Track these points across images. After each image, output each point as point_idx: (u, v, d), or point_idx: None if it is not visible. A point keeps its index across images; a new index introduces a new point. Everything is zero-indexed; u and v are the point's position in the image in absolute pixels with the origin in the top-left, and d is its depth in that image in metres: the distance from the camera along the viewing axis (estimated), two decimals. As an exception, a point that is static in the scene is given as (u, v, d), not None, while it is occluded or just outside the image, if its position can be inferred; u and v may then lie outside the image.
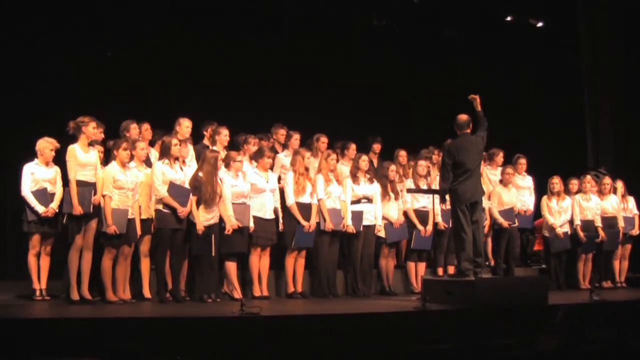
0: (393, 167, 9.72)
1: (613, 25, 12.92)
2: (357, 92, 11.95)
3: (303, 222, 8.95)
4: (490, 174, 10.50)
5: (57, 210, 7.92)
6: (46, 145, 7.99)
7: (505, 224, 10.08)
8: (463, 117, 8.34)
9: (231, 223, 8.43)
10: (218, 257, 8.40)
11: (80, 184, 7.70)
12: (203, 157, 8.41)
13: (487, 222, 9.96)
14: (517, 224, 10.25)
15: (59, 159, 7.88)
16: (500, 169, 10.50)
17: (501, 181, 10.32)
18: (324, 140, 9.79)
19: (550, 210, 10.58)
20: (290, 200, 8.98)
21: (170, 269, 8.24)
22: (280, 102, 11.15)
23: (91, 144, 7.90)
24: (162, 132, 8.75)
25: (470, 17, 12.75)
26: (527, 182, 10.66)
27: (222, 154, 8.73)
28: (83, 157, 7.75)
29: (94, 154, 7.88)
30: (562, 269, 10.58)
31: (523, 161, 10.61)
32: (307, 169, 9.11)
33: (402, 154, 10.20)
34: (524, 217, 10.46)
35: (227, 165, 8.60)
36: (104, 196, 7.79)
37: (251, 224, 8.64)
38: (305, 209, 9.02)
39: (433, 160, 10.15)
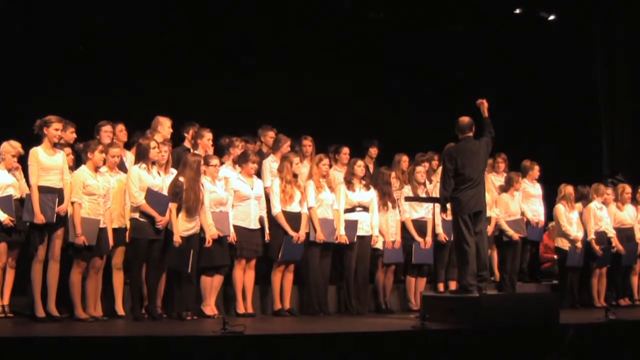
0: (393, 173, 9.46)
1: (630, 27, 12.84)
2: (354, 92, 11.86)
3: (291, 233, 8.63)
4: (496, 181, 10.24)
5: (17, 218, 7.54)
6: (9, 149, 7.68)
7: (516, 236, 9.87)
8: (465, 119, 8.13)
9: (211, 233, 8.11)
10: (197, 270, 8.11)
11: (44, 190, 7.34)
12: (184, 161, 8.07)
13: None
14: (525, 234, 10.03)
15: (25, 164, 7.58)
16: (505, 175, 10.25)
17: (502, 187, 10.04)
18: (307, 142, 9.41)
19: (570, 221, 10.16)
20: (277, 209, 8.65)
21: (146, 283, 7.92)
22: (270, 101, 11.02)
23: (57, 145, 7.52)
24: (139, 134, 8.47)
25: (478, 12, 12.67)
26: (537, 189, 10.40)
27: (205, 158, 8.52)
28: (47, 161, 7.38)
29: (60, 157, 7.51)
30: (575, 285, 10.24)
31: (537, 167, 10.36)
32: (295, 176, 8.78)
33: (404, 159, 9.92)
34: (535, 229, 10.23)
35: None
36: (72, 203, 7.47)
37: (231, 234, 8.31)
38: (293, 218, 8.69)
39: (433, 166, 9.88)
